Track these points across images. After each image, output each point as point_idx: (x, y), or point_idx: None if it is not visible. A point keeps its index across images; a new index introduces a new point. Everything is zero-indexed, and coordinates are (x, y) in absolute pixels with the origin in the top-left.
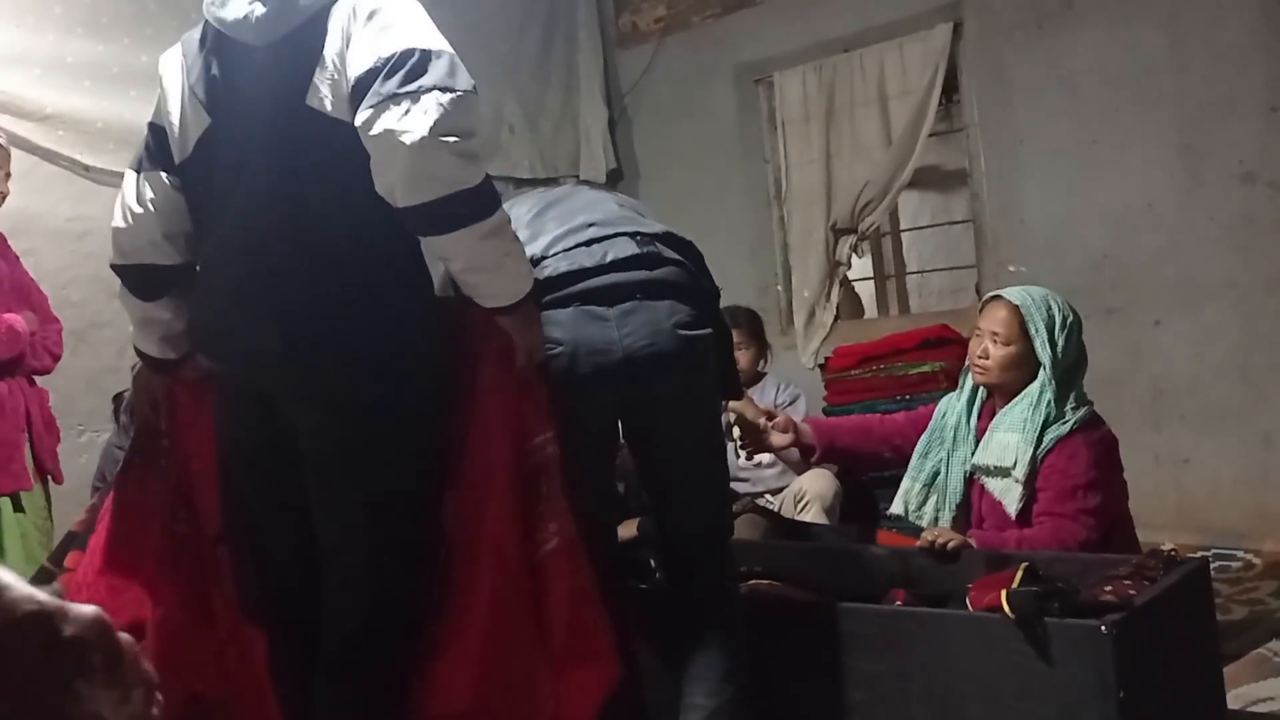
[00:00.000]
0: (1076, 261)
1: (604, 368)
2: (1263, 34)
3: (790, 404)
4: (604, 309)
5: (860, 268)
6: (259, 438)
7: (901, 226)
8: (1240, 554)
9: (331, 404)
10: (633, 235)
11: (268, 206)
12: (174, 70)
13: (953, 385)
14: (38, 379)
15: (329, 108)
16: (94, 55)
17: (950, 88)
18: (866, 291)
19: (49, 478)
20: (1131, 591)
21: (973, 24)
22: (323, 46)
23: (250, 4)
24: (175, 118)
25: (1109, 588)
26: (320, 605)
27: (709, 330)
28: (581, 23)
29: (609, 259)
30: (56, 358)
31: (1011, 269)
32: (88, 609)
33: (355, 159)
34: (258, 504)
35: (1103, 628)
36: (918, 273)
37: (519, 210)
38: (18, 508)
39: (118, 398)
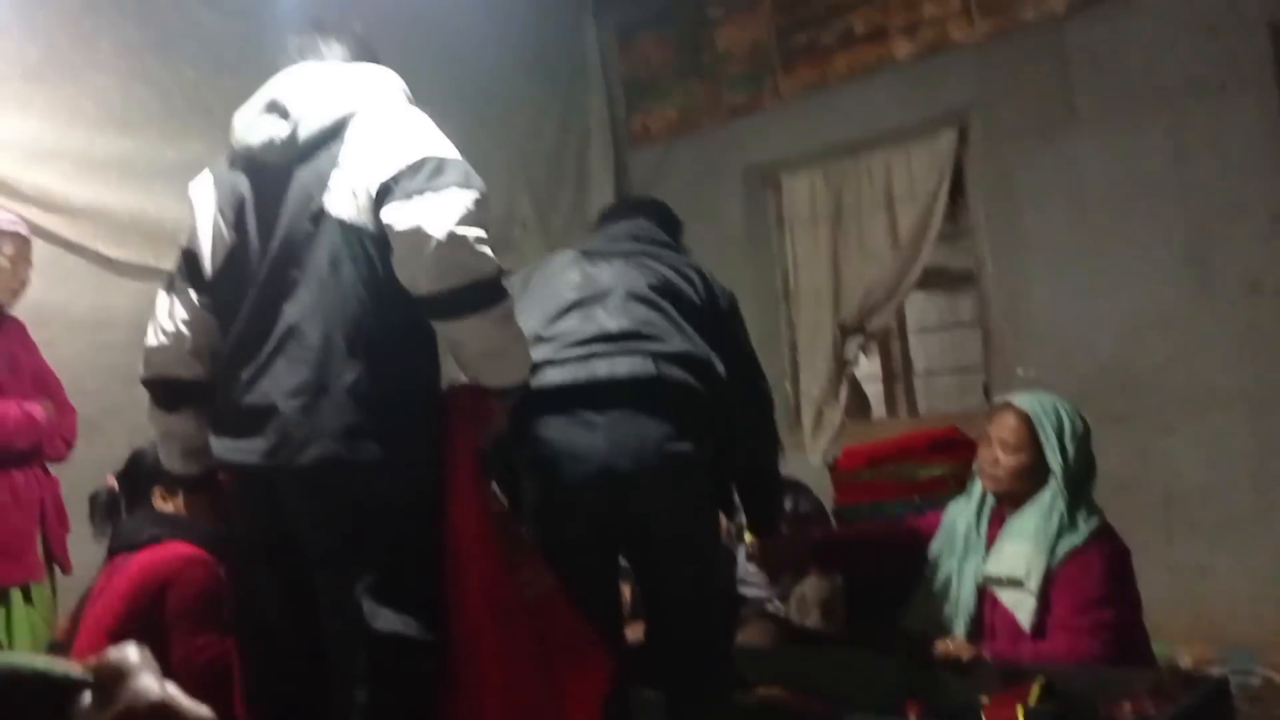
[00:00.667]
0: (1085, 367)
1: (582, 475)
2: (1267, 144)
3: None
4: (595, 415)
5: (868, 368)
6: (269, 532)
7: (908, 327)
8: (1260, 670)
9: (342, 501)
10: (646, 355)
11: None
12: (204, 195)
13: (961, 489)
14: (50, 467)
15: (348, 214)
16: (122, 151)
17: (957, 189)
18: (873, 391)
19: (56, 568)
20: (1151, 711)
21: (978, 130)
22: (339, 156)
23: (273, 128)
24: (205, 238)
25: (1127, 705)
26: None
27: (697, 447)
28: (594, 124)
29: (610, 375)
30: (70, 446)
31: (1020, 373)
32: (201, 708)
33: (377, 260)
34: (267, 596)
35: None
36: (927, 374)
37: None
38: (27, 599)
39: (94, 496)
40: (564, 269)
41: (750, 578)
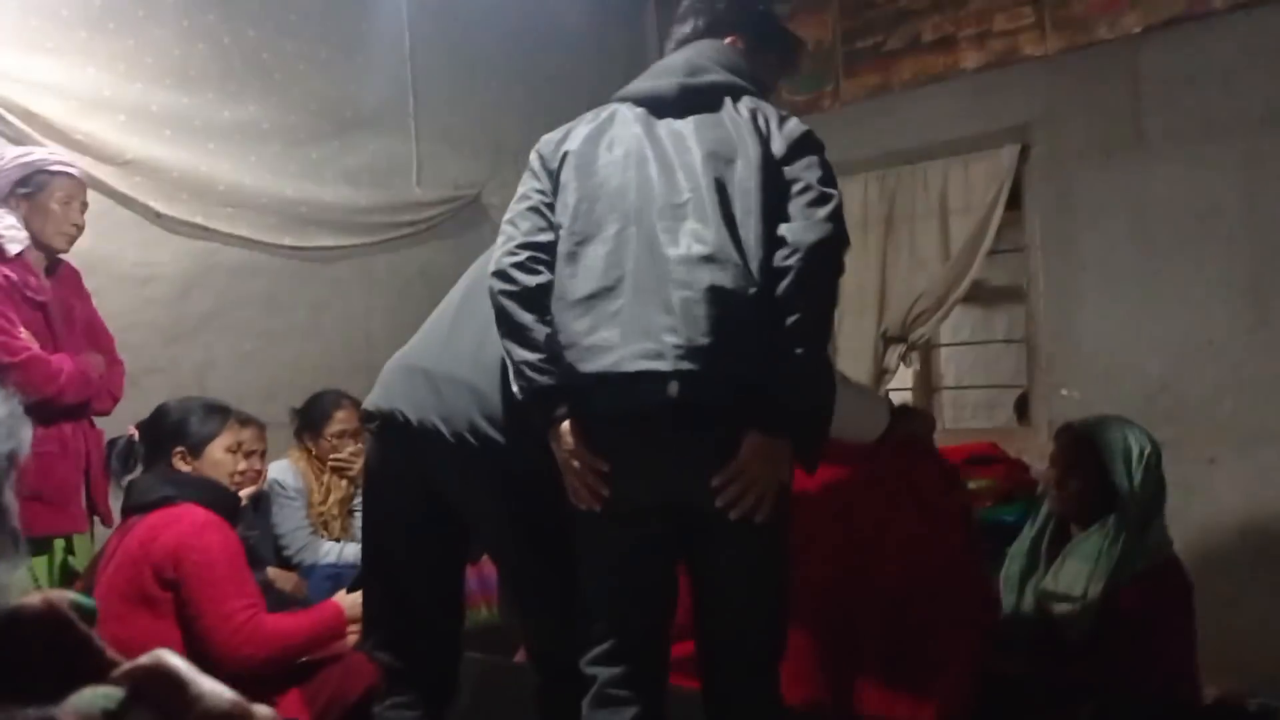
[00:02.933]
0: (1132, 390)
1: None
2: None
3: None
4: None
5: (898, 379)
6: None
7: (942, 340)
8: None
9: None
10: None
11: None
12: None
13: (996, 504)
14: (97, 420)
15: None
16: (178, 107)
17: (1011, 205)
18: (900, 402)
19: (96, 520)
20: None
21: (1041, 148)
22: None
23: None
24: None
25: None
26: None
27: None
28: None
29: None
30: (117, 400)
31: (1064, 393)
32: (265, 710)
33: None
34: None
35: None
36: (970, 388)
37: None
38: (69, 550)
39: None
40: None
41: None
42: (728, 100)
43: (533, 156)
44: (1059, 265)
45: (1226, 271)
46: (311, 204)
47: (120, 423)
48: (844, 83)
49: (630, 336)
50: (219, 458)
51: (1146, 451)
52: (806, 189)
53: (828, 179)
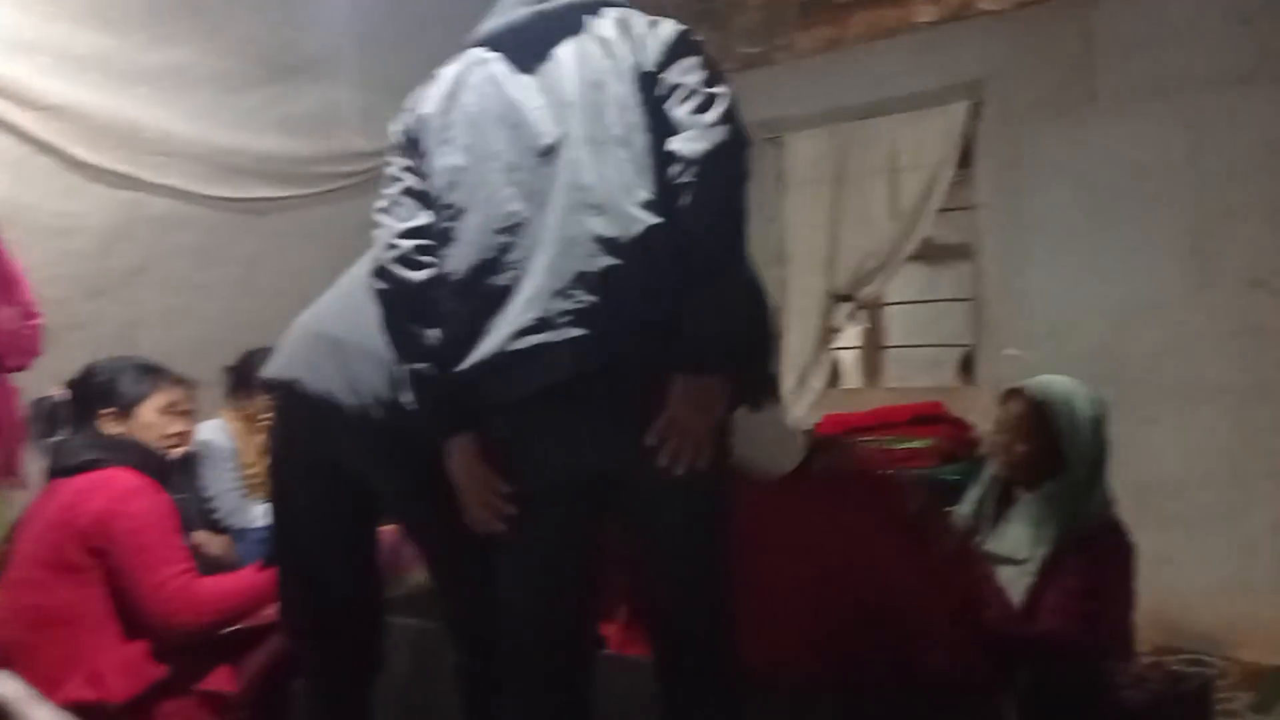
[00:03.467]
0: (1075, 350)
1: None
2: None
3: None
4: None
5: (845, 337)
6: None
7: (889, 298)
8: (1216, 661)
9: None
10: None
11: None
12: None
13: (940, 463)
14: (15, 378)
15: None
16: (104, 49)
17: (961, 163)
18: (847, 360)
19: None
20: (1133, 703)
21: (993, 104)
22: None
23: None
24: None
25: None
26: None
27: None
28: None
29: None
30: (34, 355)
31: (1009, 353)
32: None
33: None
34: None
35: None
36: (915, 346)
37: None
38: None
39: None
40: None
41: None
42: (588, 19)
43: (393, 129)
44: (1008, 224)
45: (1172, 233)
46: (246, 153)
47: (40, 381)
48: (796, 35)
49: (515, 311)
50: (151, 420)
51: (1094, 415)
52: (689, 94)
53: (713, 78)
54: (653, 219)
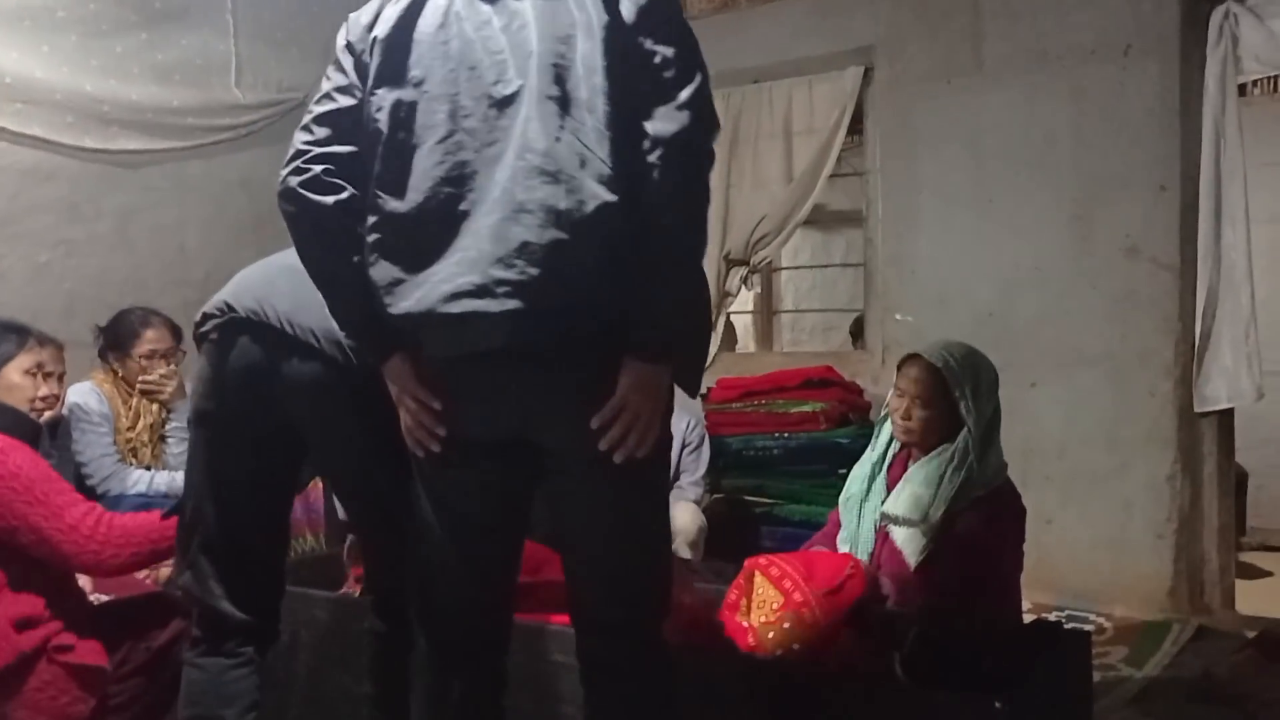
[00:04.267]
0: (963, 316)
1: None
2: (1163, 112)
3: (697, 446)
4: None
5: (738, 301)
6: None
7: (783, 263)
8: (1092, 617)
9: None
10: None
11: None
12: None
13: (831, 427)
14: None
15: None
16: None
17: (853, 130)
18: (740, 324)
19: None
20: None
21: (884, 71)
22: None
23: None
24: None
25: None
26: None
27: None
28: None
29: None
30: None
31: (898, 317)
32: None
33: None
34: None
35: (997, 703)
36: (808, 311)
37: None
38: None
39: None
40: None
41: None
42: None
43: (339, 40)
44: (898, 190)
45: (1055, 200)
46: (116, 103)
47: None
48: None
49: (451, 267)
50: (16, 381)
51: (990, 379)
52: (665, 64)
53: (688, 51)
54: (609, 195)
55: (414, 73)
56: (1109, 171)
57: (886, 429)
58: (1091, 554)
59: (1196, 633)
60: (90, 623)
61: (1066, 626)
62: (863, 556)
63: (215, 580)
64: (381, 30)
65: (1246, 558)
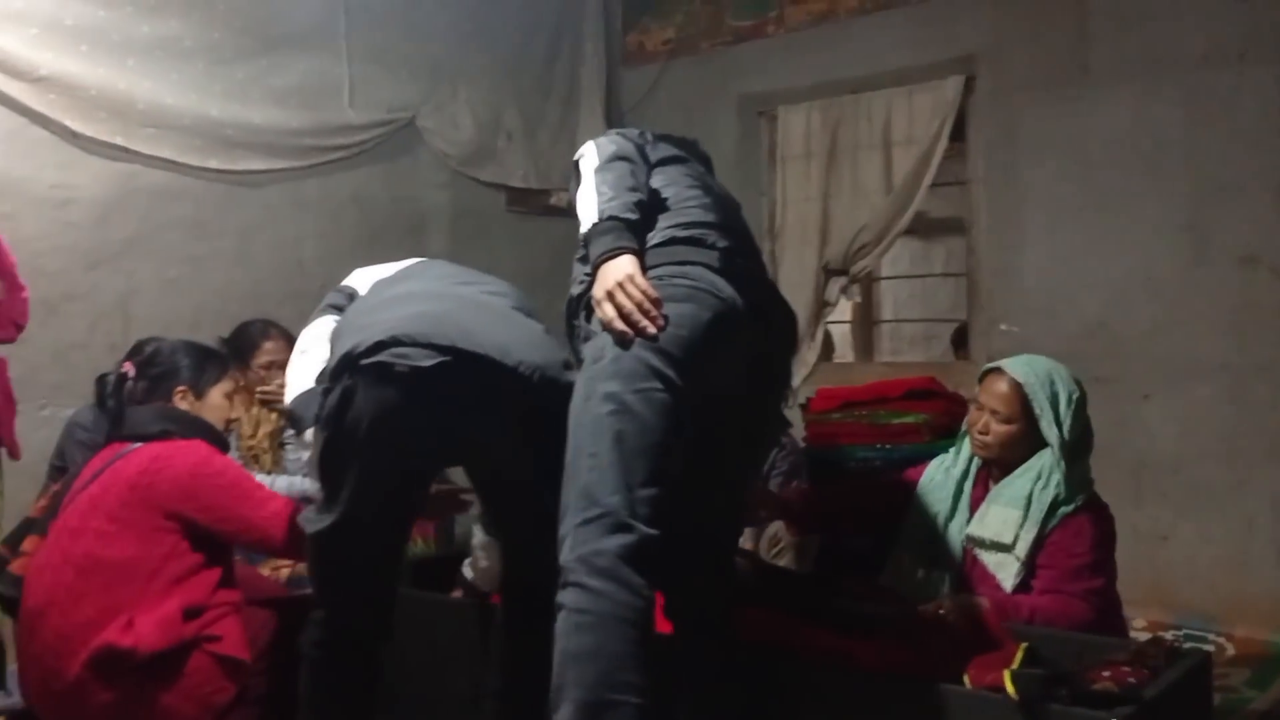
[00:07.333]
0: (1070, 327)
1: None
2: (1277, 120)
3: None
4: None
5: (838, 311)
6: None
7: (882, 272)
8: (1212, 637)
9: None
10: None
11: None
12: None
13: (935, 439)
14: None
15: None
16: (95, 20)
17: (955, 137)
18: (837, 333)
19: (3, 453)
20: (1131, 680)
21: (986, 80)
22: None
23: None
24: None
25: (1107, 673)
26: None
27: None
28: (588, 36)
29: None
30: (20, 327)
31: (1003, 328)
32: None
33: None
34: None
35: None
36: (908, 320)
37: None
38: None
39: (103, 379)
40: None
41: None
42: None
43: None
44: (1001, 199)
45: (1167, 209)
46: (238, 125)
47: (36, 351)
48: (788, 9)
49: None
50: (218, 402)
51: (1075, 396)
52: None
53: None
54: None
55: None
56: (1223, 179)
57: (967, 445)
58: (1210, 572)
59: None
60: (237, 616)
61: (1185, 646)
62: (947, 575)
63: (350, 582)
64: None
65: None
